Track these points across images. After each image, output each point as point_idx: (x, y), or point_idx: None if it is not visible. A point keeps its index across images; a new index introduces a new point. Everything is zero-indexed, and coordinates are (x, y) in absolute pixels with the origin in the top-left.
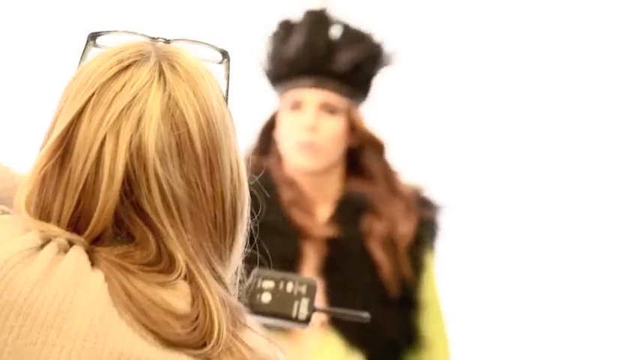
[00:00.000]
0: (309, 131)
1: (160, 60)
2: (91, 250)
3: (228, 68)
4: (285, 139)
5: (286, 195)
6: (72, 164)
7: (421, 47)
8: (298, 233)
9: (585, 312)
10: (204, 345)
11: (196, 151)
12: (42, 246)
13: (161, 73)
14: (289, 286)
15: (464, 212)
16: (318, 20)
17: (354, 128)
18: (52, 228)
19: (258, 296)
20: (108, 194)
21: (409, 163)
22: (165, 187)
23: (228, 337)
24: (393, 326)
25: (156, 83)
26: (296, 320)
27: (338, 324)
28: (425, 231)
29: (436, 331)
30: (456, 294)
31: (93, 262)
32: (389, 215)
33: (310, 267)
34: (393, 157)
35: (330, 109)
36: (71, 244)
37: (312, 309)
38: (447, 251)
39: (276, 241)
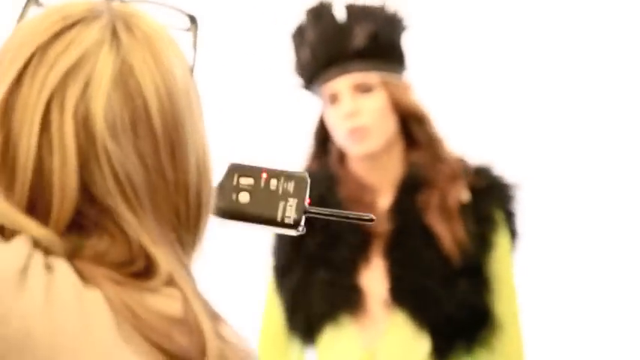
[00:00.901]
0: (350, 117)
1: (114, 20)
2: (70, 258)
3: (195, 36)
4: (336, 133)
5: (343, 192)
6: (14, 137)
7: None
8: (360, 231)
9: None
10: (202, 352)
11: (154, 127)
12: (25, 265)
13: (114, 33)
14: (273, 183)
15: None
16: (321, 12)
17: (396, 100)
18: (22, 222)
19: (234, 196)
20: (64, 175)
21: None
22: (118, 167)
23: (215, 339)
24: (453, 300)
25: (107, 45)
26: (282, 224)
27: (403, 302)
28: (494, 207)
29: (506, 313)
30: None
31: (81, 277)
32: (440, 184)
33: (377, 254)
34: (441, 127)
35: (365, 89)
36: (47, 251)
37: (301, 210)
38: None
39: (342, 242)
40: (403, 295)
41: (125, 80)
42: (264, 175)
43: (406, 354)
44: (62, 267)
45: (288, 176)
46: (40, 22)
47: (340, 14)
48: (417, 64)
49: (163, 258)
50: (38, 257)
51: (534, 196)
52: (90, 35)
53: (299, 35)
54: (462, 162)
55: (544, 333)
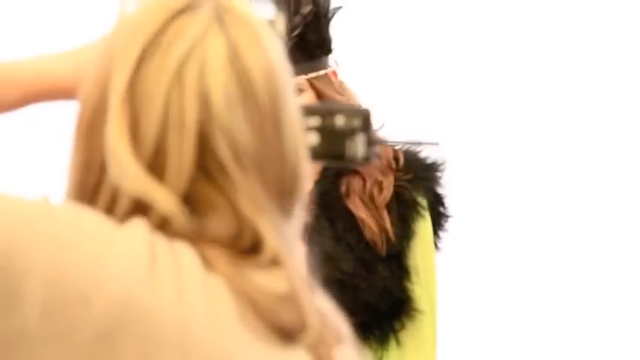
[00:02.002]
0: None
1: (215, 7)
2: (189, 238)
3: (282, 24)
4: None
5: None
6: (141, 119)
7: None
8: None
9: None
10: (305, 327)
11: (260, 102)
12: (153, 253)
13: (219, 18)
14: (339, 120)
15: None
16: None
17: (321, 97)
18: (151, 190)
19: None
20: (182, 150)
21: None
22: (233, 139)
23: (314, 314)
24: (372, 287)
25: (215, 29)
26: (353, 160)
27: (328, 291)
28: (418, 192)
29: (424, 301)
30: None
31: (202, 260)
32: (366, 174)
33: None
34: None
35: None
36: (164, 226)
37: (370, 143)
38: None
39: None
40: (320, 281)
41: (234, 60)
42: (330, 115)
43: None
44: (186, 252)
45: (353, 112)
46: (146, 14)
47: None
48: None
49: (269, 233)
50: (161, 242)
51: (462, 180)
52: (198, 21)
53: None
54: (388, 148)
55: (462, 321)
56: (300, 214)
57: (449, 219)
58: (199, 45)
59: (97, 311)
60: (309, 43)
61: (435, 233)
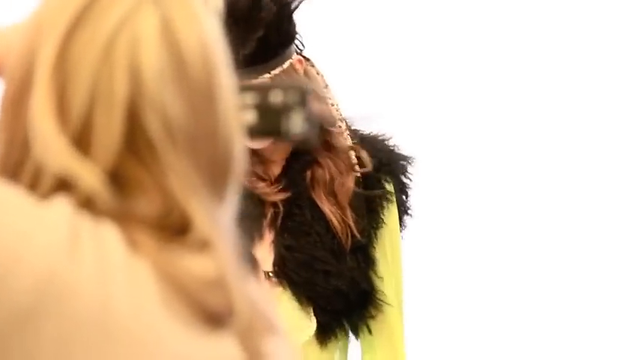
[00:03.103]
0: None
1: None
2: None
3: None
4: None
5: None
6: (69, 94)
7: None
8: (257, 199)
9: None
10: (232, 312)
11: (193, 77)
12: (74, 233)
13: None
14: (275, 97)
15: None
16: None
17: None
18: (75, 167)
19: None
20: (110, 128)
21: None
22: (166, 114)
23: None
24: (342, 278)
25: (149, 3)
26: (288, 134)
27: (287, 278)
28: (386, 183)
29: (389, 292)
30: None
31: (128, 240)
32: (327, 167)
33: (268, 225)
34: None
35: None
36: (89, 205)
37: (308, 119)
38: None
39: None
40: (287, 270)
41: (167, 35)
42: (266, 91)
43: (293, 332)
44: (110, 233)
45: (290, 88)
46: None
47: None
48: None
49: (199, 214)
50: (85, 221)
51: (430, 171)
52: None
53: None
54: (350, 146)
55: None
56: (235, 198)
57: (410, 210)
58: (131, 18)
59: (18, 287)
60: (272, 43)
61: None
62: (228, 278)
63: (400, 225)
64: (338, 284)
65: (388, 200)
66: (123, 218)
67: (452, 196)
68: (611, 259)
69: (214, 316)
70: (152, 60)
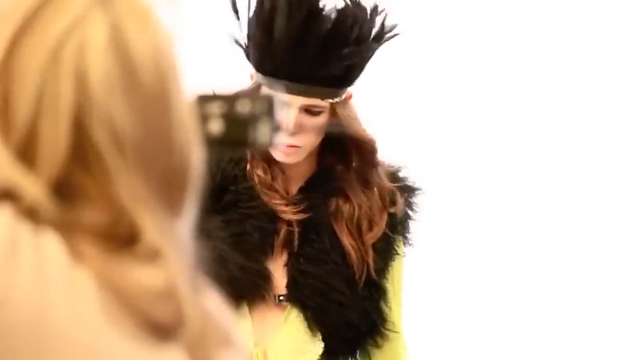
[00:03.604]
0: (289, 135)
1: None
2: (57, 227)
3: (176, 8)
4: None
5: (257, 169)
6: (14, 100)
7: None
8: (272, 214)
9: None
10: (182, 324)
11: (144, 86)
12: (13, 240)
13: None
14: (242, 107)
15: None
16: (305, 5)
17: (335, 117)
18: (15, 178)
19: (205, 124)
20: (56, 133)
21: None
22: (114, 123)
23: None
24: (355, 309)
25: (99, 9)
26: (255, 144)
27: (299, 302)
28: (398, 219)
29: (394, 321)
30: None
31: (69, 250)
32: (357, 203)
33: (280, 245)
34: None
35: (314, 113)
36: (33, 216)
37: (275, 129)
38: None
39: (254, 223)
40: (300, 294)
41: (117, 42)
42: (233, 101)
43: (295, 355)
44: (51, 242)
45: (256, 97)
46: None
47: (326, 22)
48: None
49: (147, 224)
50: (25, 231)
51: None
52: (77, 1)
53: (268, 14)
54: (390, 187)
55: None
56: (193, 210)
57: (410, 240)
58: (80, 24)
59: None
60: (354, 74)
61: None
62: (179, 289)
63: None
64: (350, 316)
65: (396, 239)
66: (67, 228)
67: (449, 221)
68: (612, 272)
69: (161, 328)
70: (99, 67)
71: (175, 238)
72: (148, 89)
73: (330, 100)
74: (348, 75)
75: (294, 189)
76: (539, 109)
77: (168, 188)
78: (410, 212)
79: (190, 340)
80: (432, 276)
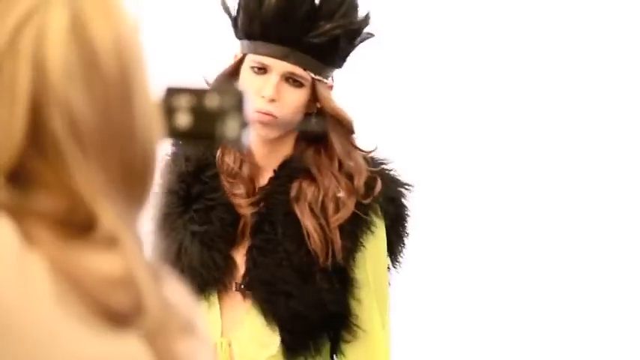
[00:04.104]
0: (267, 102)
1: None
2: (11, 213)
3: None
4: None
5: (227, 158)
6: None
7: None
8: (232, 208)
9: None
10: (140, 312)
11: (105, 76)
12: None
13: None
14: (210, 101)
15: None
16: None
17: (317, 100)
18: None
19: (173, 117)
20: (11, 120)
21: (380, 141)
22: (70, 113)
23: (154, 299)
24: (305, 300)
25: None
26: (223, 139)
27: (255, 292)
28: (372, 213)
29: (371, 317)
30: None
31: (23, 236)
32: (325, 186)
33: (243, 235)
34: (359, 134)
35: (295, 83)
36: None
37: (244, 124)
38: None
39: (216, 214)
40: (255, 283)
41: (78, 29)
42: (201, 94)
43: (257, 347)
44: (4, 227)
45: (225, 92)
46: None
47: None
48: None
49: (105, 212)
50: None
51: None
52: None
53: None
54: (365, 170)
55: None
56: (152, 199)
57: (406, 241)
58: (39, 10)
59: None
60: (338, 49)
61: (393, 253)
62: (137, 276)
63: (397, 253)
64: (297, 307)
65: (369, 229)
66: (22, 213)
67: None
68: (608, 268)
69: (117, 315)
70: (58, 54)
71: (135, 226)
72: (109, 78)
73: (312, 75)
74: (331, 50)
75: (264, 179)
76: (531, 106)
77: (128, 177)
78: (403, 209)
79: (150, 329)
80: (427, 274)
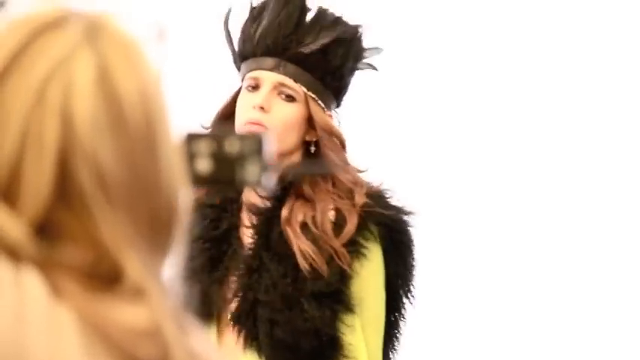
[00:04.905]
0: (257, 111)
1: (85, 24)
2: (39, 266)
3: (164, 46)
4: (237, 119)
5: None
6: None
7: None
8: (220, 237)
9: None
10: None
11: (131, 128)
12: None
13: (88, 37)
14: (230, 146)
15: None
16: (292, 1)
17: (311, 120)
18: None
19: (193, 163)
20: (39, 173)
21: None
22: (98, 165)
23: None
24: (294, 324)
25: (84, 48)
26: (244, 184)
27: (242, 320)
28: (367, 230)
29: (362, 344)
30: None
31: (51, 289)
32: (321, 207)
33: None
34: (355, 155)
35: (287, 97)
36: (15, 256)
37: (263, 167)
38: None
39: (204, 245)
40: (242, 312)
41: (105, 81)
42: (221, 140)
43: None
44: (32, 280)
45: (245, 137)
46: (8, 29)
47: (309, 15)
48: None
49: (131, 264)
50: (5, 269)
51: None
52: (66, 38)
53: (259, 9)
54: (365, 186)
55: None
56: (180, 248)
57: (414, 271)
58: (65, 64)
59: None
60: (329, 61)
61: (405, 284)
62: (164, 327)
63: (408, 284)
64: (288, 334)
65: (360, 253)
66: (49, 266)
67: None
68: (609, 272)
69: None
70: (86, 107)
71: (160, 276)
72: (134, 130)
73: (304, 89)
74: (321, 62)
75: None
76: (530, 119)
77: (154, 228)
78: (403, 235)
79: None
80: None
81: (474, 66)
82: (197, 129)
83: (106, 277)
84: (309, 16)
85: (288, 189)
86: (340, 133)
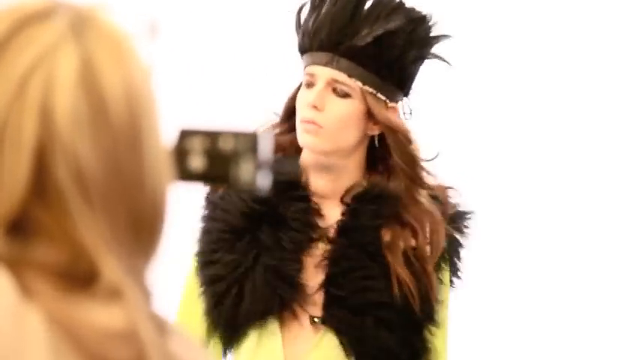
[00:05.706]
0: (311, 109)
1: (72, 16)
2: (11, 265)
3: (154, 40)
4: (297, 116)
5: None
6: None
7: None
8: (309, 227)
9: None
10: None
11: (114, 124)
12: None
13: (74, 30)
14: (225, 144)
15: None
16: None
17: (372, 116)
18: None
19: (186, 159)
20: (15, 171)
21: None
22: (77, 162)
23: (158, 353)
24: (390, 336)
25: (69, 41)
26: (237, 182)
27: (335, 327)
28: (448, 245)
29: (438, 351)
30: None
31: (21, 288)
32: (414, 225)
33: (316, 263)
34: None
35: (340, 92)
36: None
37: (258, 167)
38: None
39: (289, 234)
40: (337, 319)
41: (87, 77)
42: (215, 137)
43: None
44: (1, 279)
45: (240, 134)
46: None
47: (367, 5)
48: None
49: (108, 264)
50: None
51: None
52: (50, 30)
53: (319, 0)
54: (448, 198)
55: None
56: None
57: (460, 271)
58: (49, 57)
59: None
60: (382, 55)
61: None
62: (140, 330)
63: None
64: (385, 345)
65: (442, 267)
66: (21, 265)
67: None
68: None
69: None
70: (66, 101)
71: (142, 277)
72: (118, 126)
73: (360, 84)
74: (375, 55)
75: (329, 209)
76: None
77: (136, 228)
78: (460, 239)
79: None
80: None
81: (554, 62)
82: (191, 125)
83: (81, 277)
84: (368, 5)
85: (382, 208)
86: (403, 127)
